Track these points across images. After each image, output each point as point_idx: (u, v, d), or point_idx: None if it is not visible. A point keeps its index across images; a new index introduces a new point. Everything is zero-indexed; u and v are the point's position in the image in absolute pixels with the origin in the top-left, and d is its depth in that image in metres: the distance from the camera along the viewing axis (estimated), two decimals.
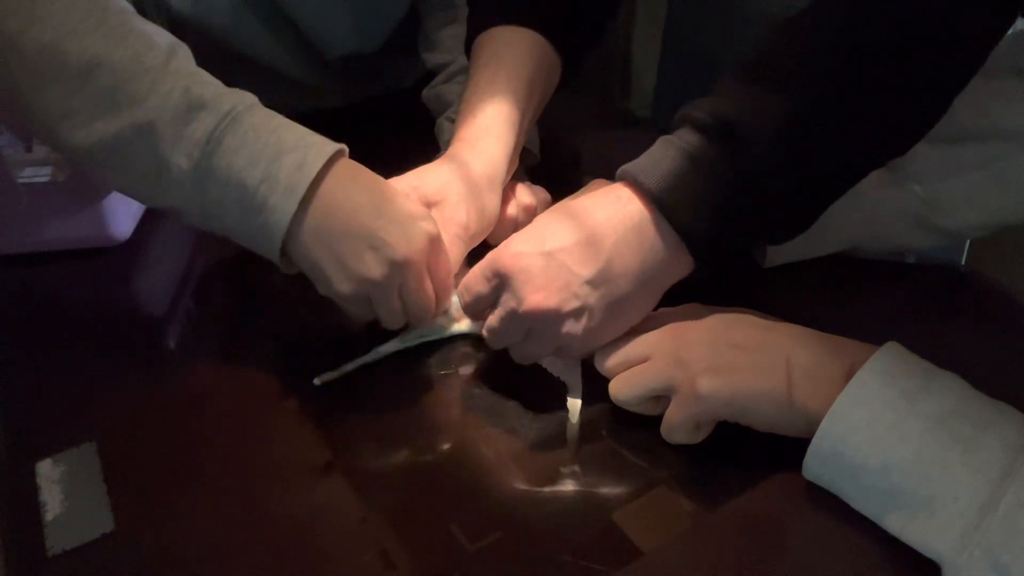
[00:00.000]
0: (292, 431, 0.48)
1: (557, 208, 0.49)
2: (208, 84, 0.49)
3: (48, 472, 0.45)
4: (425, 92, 0.80)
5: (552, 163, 0.77)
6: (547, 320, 0.45)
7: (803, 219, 0.49)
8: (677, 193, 0.45)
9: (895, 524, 0.38)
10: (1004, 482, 0.35)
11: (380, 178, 0.50)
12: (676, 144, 0.46)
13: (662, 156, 0.46)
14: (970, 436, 0.37)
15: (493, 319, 0.47)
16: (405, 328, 0.53)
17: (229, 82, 0.51)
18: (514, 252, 0.46)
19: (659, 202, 0.45)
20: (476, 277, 0.48)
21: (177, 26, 0.70)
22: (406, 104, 0.85)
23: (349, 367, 0.52)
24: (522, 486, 0.44)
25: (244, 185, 0.47)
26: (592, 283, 0.45)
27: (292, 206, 0.46)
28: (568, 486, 0.45)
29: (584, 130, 0.90)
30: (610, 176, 0.57)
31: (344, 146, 0.50)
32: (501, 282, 0.46)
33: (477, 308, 0.49)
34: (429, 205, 0.54)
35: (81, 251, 0.62)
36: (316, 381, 0.50)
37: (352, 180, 0.49)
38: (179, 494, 0.44)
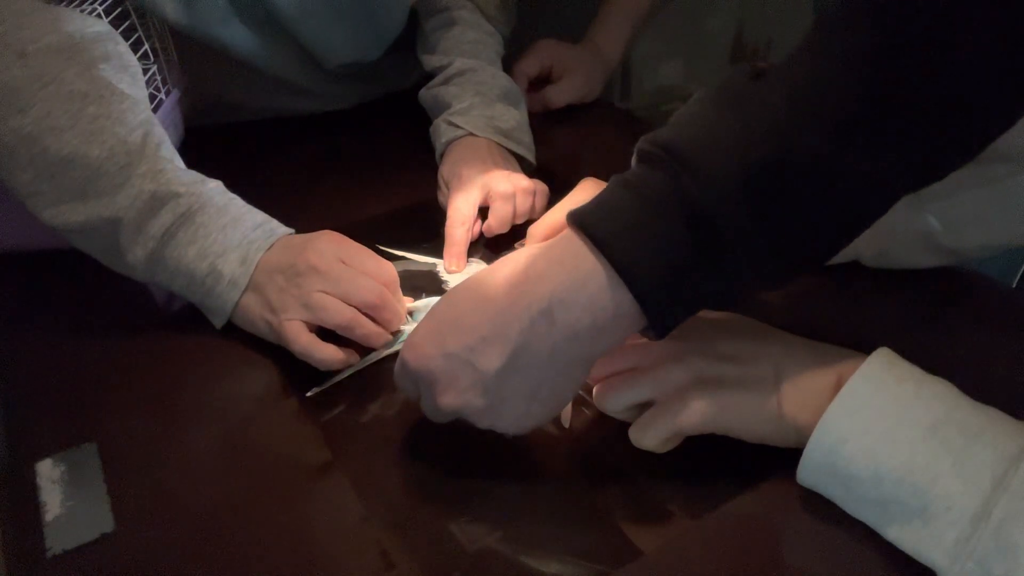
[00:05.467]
0: (292, 431, 0.48)
1: (472, 284, 0.43)
2: (171, 183, 0.53)
3: (48, 472, 0.45)
4: (422, 93, 0.80)
5: (552, 163, 0.77)
6: (465, 414, 0.42)
7: (781, 272, 0.40)
8: (614, 225, 0.38)
9: (891, 532, 0.38)
10: (995, 492, 0.35)
11: (306, 239, 0.55)
12: (618, 178, 0.41)
13: (606, 193, 0.41)
14: (961, 445, 0.37)
15: (423, 404, 0.45)
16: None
17: (230, 85, 0.53)
18: (419, 353, 0.42)
19: (593, 236, 0.39)
20: (396, 371, 0.45)
21: (177, 35, 0.70)
22: (405, 105, 0.85)
23: (340, 377, 0.52)
24: (522, 486, 0.44)
25: (192, 274, 0.53)
26: (501, 375, 0.40)
27: (236, 296, 0.53)
28: (568, 487, 0.45)
29: (584, 130, 0.90)
30: (606, 176, 0.57)
31: (285, 232, 0.56)
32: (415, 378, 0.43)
33: (410, 395, 0.46)
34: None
35: (81, 250, 0.62)
36: (308, 393, 0.51)
37: (280, 251, 0.54)
38: (179, 494, 0.44)
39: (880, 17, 0.36)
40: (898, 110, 0.36)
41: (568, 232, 0.41)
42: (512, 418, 0.42)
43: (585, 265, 0.39)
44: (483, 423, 0.42)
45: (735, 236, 0.37)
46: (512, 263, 0.42)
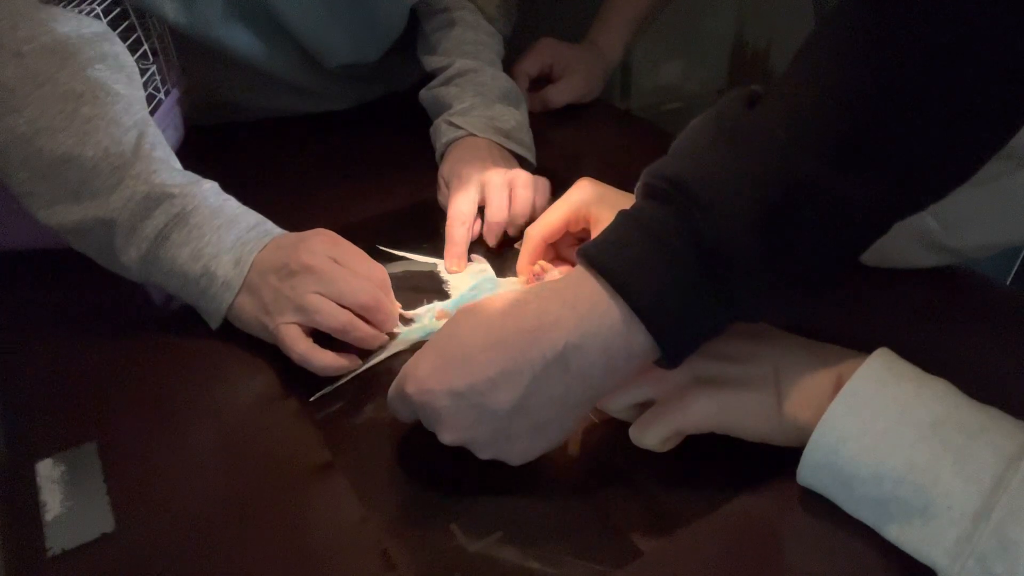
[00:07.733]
0: (292, 431, 0.48)
1: (480, 318, 0.42)
2: (165, 184, 0.53)
3: (48, 472, 0.45)
4: (422, 93, 0.80)
5: (552, 163, 0.77)
6: (468, 447, 0.42)
7: (789, 300, 0.40)
8: (629, 265, 0.39)
9: (890, 531, 0.38)
10: (996, 491, 0.35)
11: (297, 237, 0.55)
12: (627, 214, 0.41)
13: (617, 230, 0.41)
14: (961, 444, 0.37)
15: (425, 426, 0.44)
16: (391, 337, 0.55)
17: (230, 85, 0.53)
18: (422, 389, 0.41)
19: (610, 278, 0.39)
20: (392, 398, 0.45)
21: (177, 35, 0.70)
22: (405, 105, 0.85)
23: (341, 381, 0.52)
24: (522, 486, 0.44)
25: (186, 275, 0.53)
26: (509, 415, 0.40)
27: (230, 297, 0.53)
28: (568, 486, 0.45)
29: (584, 130, 0.90)
30: (606, 176, 0.57)
31: (276, 233, 0.55)
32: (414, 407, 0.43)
33: (403, 419, 0.45)
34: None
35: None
36: (312, 399, 0.51)
37: (272, 251, 0.54)
38: (179, 494, 0.44)
39: (876, 36, 0.36)
40: (897, 133, 0.36)
41: (580, 271, 0.41)
42: (517, 452, 0.42)
43: (599, 308, 0.39)
44: (486, 456, 0.42)
45: (746, 269, 0.38)
46: (522, 301, 0.42)
